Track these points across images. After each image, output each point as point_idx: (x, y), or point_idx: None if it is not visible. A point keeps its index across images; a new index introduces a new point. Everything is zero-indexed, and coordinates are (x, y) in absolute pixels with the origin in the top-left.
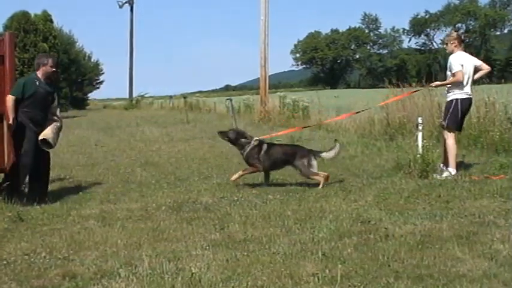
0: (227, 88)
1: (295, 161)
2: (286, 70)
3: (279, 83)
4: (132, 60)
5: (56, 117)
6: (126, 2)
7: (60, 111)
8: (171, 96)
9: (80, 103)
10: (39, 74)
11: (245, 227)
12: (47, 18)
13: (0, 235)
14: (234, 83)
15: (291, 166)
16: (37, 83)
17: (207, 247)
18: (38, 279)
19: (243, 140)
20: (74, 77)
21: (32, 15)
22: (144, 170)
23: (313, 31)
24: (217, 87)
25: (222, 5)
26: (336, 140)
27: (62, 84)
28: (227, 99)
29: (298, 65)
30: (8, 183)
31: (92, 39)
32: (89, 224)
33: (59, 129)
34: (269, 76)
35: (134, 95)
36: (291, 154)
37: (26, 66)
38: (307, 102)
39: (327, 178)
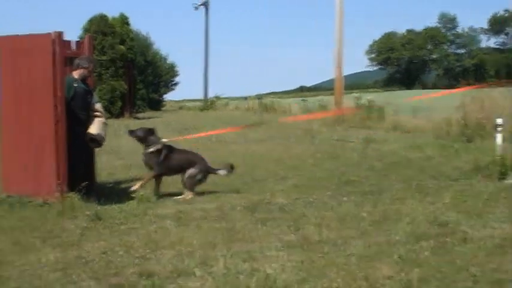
0: (301, 89)
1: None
2: (361, 71)
3: (353, 83)
4: (207, 62)
5: (98, 113)
6: (201, 4)
7: (137, 112)
8: (245, 98)
9: (156, 104)
10: (76, 74)
11: (320, 228)
12: (124, 21)
13: (79, 233)
14: (308, 83)
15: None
16: (75, 84)
17: (282, 248)
18: (116, 277)
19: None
20: (151, 78)
21: (110, 18)
22: None
23: (388, 31)
24: (292, 88)
25: (296, 6)
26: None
27: (138, 85)
28: (302, 99)
29: (373, 65)
30: (86, 183)
31: (167, 41)
32: (165, 223)
33: (105, 124)
34: (344, 77)
35: (209, 96)
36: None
37: (104, 68)
38: (382, 103)
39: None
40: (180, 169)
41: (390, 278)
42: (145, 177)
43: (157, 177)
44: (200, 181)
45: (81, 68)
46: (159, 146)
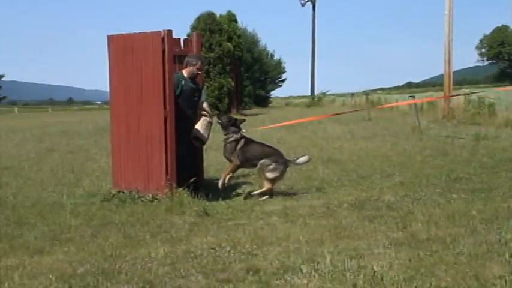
0: (409, 85)
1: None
2: (470, 66)
3: (463, 79)
4: (314, 58)
5: (205, 113)
6: (308, 1)
7: (244, 108)
8: (352, 94)
9: (263, 101)
10: (185, 72)
11: (428, 226)
12: (231, 18)
13: (187, 229)
14: (416, 79)
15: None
16: (183, 81)
17: (389, 246)
18: (223, 273)
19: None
20: (257, 75)
21: (218, 15)
22: (326, 167)
23: (500, 25)
24: (399, 84)
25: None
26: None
27: (245, 82)
28: (410, 96)
29: (483, 60)
30: (194, 178)
31: (274, 37)
32: (272, 220)
33: (210, 124)
34: (453, 72)
35: (316, 92)
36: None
37: (211, 66)
38: (493, 99)
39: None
40: (256, 162)
41: (501, 278)
42: (226, 170)
43: (234, 168)
44: (275, 172)
45: (190, 65)
46: (237, 136)
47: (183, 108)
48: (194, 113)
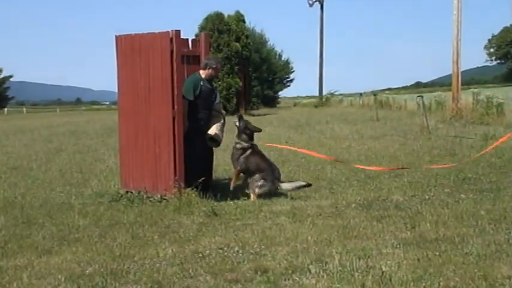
0: (418, 85)
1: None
2: (479, 66)
3: (471, 79)
4: (322, 58)
5: (219, 114)
6: (316, 1)
7: (252, 109)
8: (361, 94)
9: (271, 101)
10: (203, 74)
11: (437, 226)
12: (239, 18)
13: (196, 229)
14: (424, 79)
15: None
16: (201, 82)
17: (398, 246)
18: (231, 273)
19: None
20: (265, 75)
21: (226, 16)
22: (334, 167)
23: (508, 25)
24: (408, 84)
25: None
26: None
27: (254, 82)
28: (418, 96)
29: (492, 60)
30: (203, 179)
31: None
32: (280, 220)
33: (223, 125)
34: (461, 72)
35: (324, 92)
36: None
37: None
38: (501, 98)
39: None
40: (251, 173)
41: (510, 278)
42: (233, 174)
43: (238, 174)
44: (262, 189)
45: (210, 68)
46: (245, 145)
47: (201, 109)
48: (209, 114)
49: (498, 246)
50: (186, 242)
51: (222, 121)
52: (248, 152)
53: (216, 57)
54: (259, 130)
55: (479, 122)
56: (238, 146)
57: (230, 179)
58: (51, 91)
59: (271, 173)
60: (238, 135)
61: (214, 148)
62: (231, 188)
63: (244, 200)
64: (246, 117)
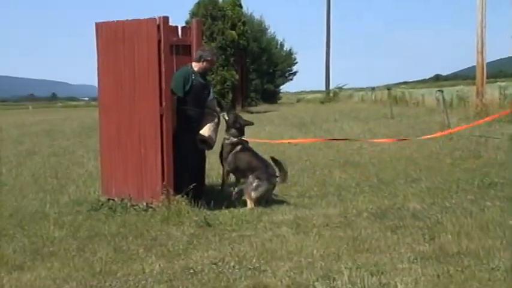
0: (437, 78)
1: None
2: (507, 56)
3: (499, 71)
4: (329, 49)
5: (213, 112)
6: None
7: (250, 105)
8: (373, 88)
9: (271, 96)
10: (196, 66)
11: (459, 237)
12: (235, 3)
13: (186, 241)
14: (445, 72)
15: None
16: (193, 76)
17: (415, 260)
18: None
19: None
20: (265, 67)
21: (220, 0)
22: (343, 171)
23: None
24: (426, 77)
25: None
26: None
27: (252, 75)
28: (437, 90)
29: None
30: (194, 185)
31: (284, 25)
32: (282, 231)
33: (217, 125)
34: (487, 63)
35: (331, 87)
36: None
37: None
38: None
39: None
40: (242, 172)
41: None
42: (222, 174)
43: (227, 175)
44: (257, 191)
45: (205, 60)
46: (234, 140)
47: (191, 107)
48: (201, 112)
49: None
50: (175, 256)
51: (216, 120)
52: (238, 148)
53: (211, 49)
54: (251, 123)
55: (507, 120)
56: (227, 141)
57: (221, 184)
58: (22, 85)
59: (265, 170)
60: (227, 130)
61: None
62: (222, 189)
63: (241, 208)
64: (243, 115)
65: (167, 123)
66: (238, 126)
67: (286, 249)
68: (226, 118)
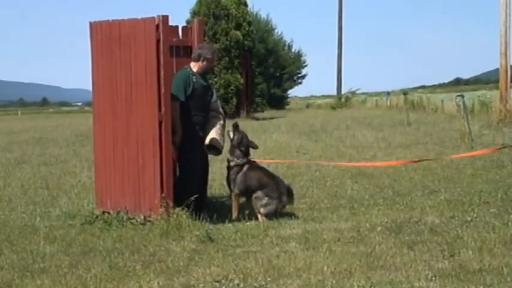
0: (457, 82)
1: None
2: None
3: None
4: (340, 51)
5: (218, 114)
6: None
7: (255, 111)
8: (388, 93)
9: (279, 101)
10: (195, 67)
11: (481, 254)
12: (240, 1)
13: (187, 257)
14: (465, 75)
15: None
16: (193, 78)
17: (433, 278)
18: None
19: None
20: (272, 70)
21: None
22: (356, 182)
23: None
24: (445, 81)
25: None
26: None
27: (258, 79)
28: (458, 95)
29: None
30: (195, 196)
31: (292, 25)
32: (290, 246)
33: (223, 127)
34: (511, 66)
35: (343, 91)
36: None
37: (216, 59)
38: None
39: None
40: (253, 193)
41: None
42: (231, 203)
43: (238, 198)
44: (267, 208)
45: (204, 59)
46: (239, 162)
47: (195, 112)
48: (206, 116)
49: None
50: (175, 273)
51: (221, 122)
52: (245, 168)
53: (210, 45)
54: (256, 147)
55: None
56: (232, 163)
57: (229, 209)
58: (11, 89)
59: (276, 188)
60: (232, 152)
61: (210, 158)
62: (234, 217)
63: (246, 222)
64: (248, 122)
65: (166, 131)
66: (243, 149)
67: (294, 265)
68: (231, 137)
